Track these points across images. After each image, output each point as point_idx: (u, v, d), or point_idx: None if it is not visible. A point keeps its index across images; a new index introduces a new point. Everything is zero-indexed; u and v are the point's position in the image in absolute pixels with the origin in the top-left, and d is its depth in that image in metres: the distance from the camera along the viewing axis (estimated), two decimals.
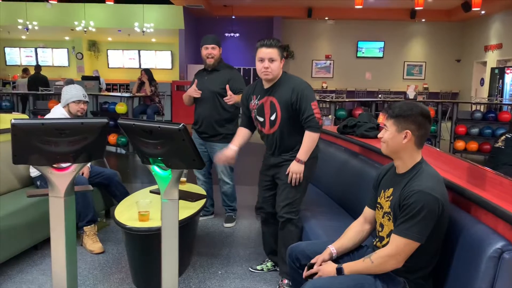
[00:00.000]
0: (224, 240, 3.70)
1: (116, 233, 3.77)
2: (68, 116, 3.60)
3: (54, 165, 2.02)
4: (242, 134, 2.95)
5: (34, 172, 3.60)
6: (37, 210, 3.29)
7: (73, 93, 3.65)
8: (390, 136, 1.86)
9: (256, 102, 2.79)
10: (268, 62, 2.62)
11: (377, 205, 1.97)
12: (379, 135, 1.95)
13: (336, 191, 3.29)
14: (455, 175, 2.05)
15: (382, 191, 1.95)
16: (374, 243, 1.98)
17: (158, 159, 1.99)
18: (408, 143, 1.83)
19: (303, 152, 2.68)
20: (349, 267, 1.87)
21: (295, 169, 2.69)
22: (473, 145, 7.63)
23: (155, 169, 2.04)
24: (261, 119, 2.79)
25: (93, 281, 2.92)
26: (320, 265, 1.96)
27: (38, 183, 3.59)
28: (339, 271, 1.87)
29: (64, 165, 2.05)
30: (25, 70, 11.81)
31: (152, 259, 2.70)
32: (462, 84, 15.41)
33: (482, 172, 1.90)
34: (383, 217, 1.91)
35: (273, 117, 2.71)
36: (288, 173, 2.70)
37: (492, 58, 13.45)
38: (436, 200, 1.70)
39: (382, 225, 1.92)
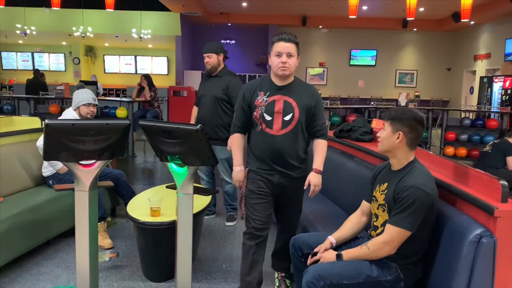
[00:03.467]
0: (226, 237, 3.90)
1: (124, 230, 3.97)
2: (79, 118, 3.80)
3: (81, 162, 2.23)
4: (241, 144, 2.70)
5: (46, 172, 3.79)
6: (49, 208, 3.49)
7: (83, 96, 3.85)
8: (386, 135, 2.10)
9: (265, 99, 2.56)
10: (286, 56, 2.48)
11: (373, 198, 2.20)
12: (378, 134, 2.19)
13: (333, 191, 3.52)
14: (443, 173, 2.29)
15: (378, 185, 2.18)
16: (369, 232, 2.21)
17: (176, 157, 2.20)
18: (400, 143, 2.07)
19: (321, 162, 2.60)
20: (347, 253, 2.10)
21: (317, 181, 2.57)
22: (462, 151, 7.91)
23: (172, 166, 2.25)
24: (268, 118, 2.54)
25: (105, 274, 3.11)
26: (322, 253, 2.18)
27: (50, 182, 3.77)
28: (339, 257, 2.10)
29: (89, 161, 2.25)
30: (41, 75, 11.85)
31: (162, 251, 2.92)
32: (453, 92, 15.78)
33: (465, 170, 2.13)
34: (377, 208, 2.14)
35: (288, 118, 2.51)
36: (305, 187, 2.61)
37: (481, 67, 13.83)
38: (427, 194, 1.93)
39: (376, 216, 2.15)
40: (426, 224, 1.97)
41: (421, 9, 12.55)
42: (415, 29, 15.57)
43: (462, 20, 9.06)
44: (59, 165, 3.68)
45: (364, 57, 16.51)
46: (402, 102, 8.53)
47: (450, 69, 16.08)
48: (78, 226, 2.27)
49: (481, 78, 13.08)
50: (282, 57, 2.48)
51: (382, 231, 2.06)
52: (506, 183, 1.84)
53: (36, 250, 3.38)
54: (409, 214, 1.93)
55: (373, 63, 16.47)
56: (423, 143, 8.34)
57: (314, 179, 2.57)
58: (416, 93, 15.92)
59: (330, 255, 2.13)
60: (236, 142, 2.70)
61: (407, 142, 2.07)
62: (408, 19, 8.83)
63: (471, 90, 14.45)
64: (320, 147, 2.62)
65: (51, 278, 3.01)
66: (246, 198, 2.65)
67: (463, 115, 9.62)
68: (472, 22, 13.17)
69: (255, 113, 2.58)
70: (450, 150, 8.03)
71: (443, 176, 2.23)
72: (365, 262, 2.05)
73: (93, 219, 2.30)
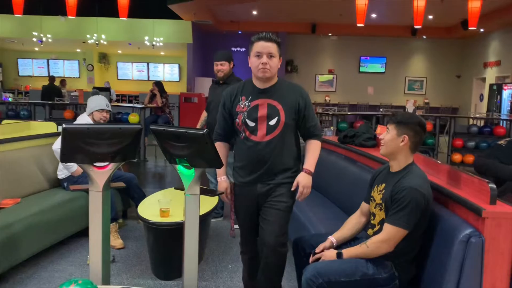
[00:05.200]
0: (232, 239, 4.02)
1: (134, 231, 4.12)
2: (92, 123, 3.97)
3: (95, 164, 2.37)
4: (223, 153, 2.50)
5: (61, 174, 3.96)
6: (64, 209, 3.65)
7: (97, 102, 4.02)
8: (390, 138, 2.21)
9: (247, 104, 2.39)
10: (266, 57, 2.30)
11: (371, 198, 2.32)
12: (380, 137, 2.30)
13: (335, 194, 3.63)
14: (438, 177, 2.40)
15: (376, 186, 2.30)
16: (368, 231, 2.32)
17: (184, 159, 2.33)
18: (404, 147, 2.18)
19: (312, 162, 2.42)
20: (347, 251, 2.21)
21: (306, 181, 2.36)
22: (470, 158, 7.93)
23: (181, 168, 2.39)
24: (251, 124, 2.37)
25: (117, 272, 3.25)
26: (323, 251, 2.29)
27: (65, 184, 3.94)
28: (339, 255, 2.21)
29: (103, 164, 2.40)
30: (62, 81, 12.15)
31: (171, 251, 3.05)
32: (462, 100, 15.77)
33: (458, 174, 2.24)
34: (375, 207, 2.25)
35: (273, 122, 2.34)
36: (292, 189, 2.40)
37: (491, 75, 13.82)
38: (423, 195, 2.04)
39: (374, 215, 2.27)
40: (420, 224, 2.08)
41: (430, 17, 12.62)
42: (424, 37, 15.62)
43: (470, 28, 9.12)
44: (73, 168, 3.84)
45: (374, 64, 16.59)
46: (410, 109, 8.60)
47: (460, 76, 16.08)
48: (91, 224, 2.41)
49: (491, 85, 13.08)
50: (263, 57, 2.31)
51: (379, 229, 2.17)
52: (495, 186, 1.94)
53: (51, 248, 3.54)
54: (406, 214, 2.04)
55: (383, 70, 16.55)
56: (431, 149, 8.39)
57: (303, 180, 2.36)
58: (426, 100, 15.94)
59: (330, 254, 2.24)
60: (220, 150, 2.44)
61: (410, 145, 2.19)
62: (415, 27, 8.91)
63: (481, 97, 14.43)
64: (312, 147, 2.46)
65: (65, 275, 3.16)
66: (236, 215, 2.58)
67: (473, 122, 9.65)
68: (481, 30, 13.19)
69: (237, 120, 2.41)
70: (457, 157, 8.06)
71: (438, 180, 2.34)
72: (361, 260, 2.16)
73: (106, 218, 2.44)
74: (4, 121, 5.23)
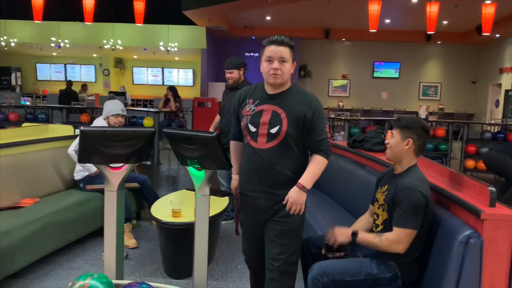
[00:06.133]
0: None
1: (147, 232, 4.23)
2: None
3: (111, 165, 2.49)
4: (237, 152, 2.49)
5: (77, 175, 4.10)
6: (80, 209, 3.78)
7: (112, 107, 4.16)
8: (395, 142, 2.28)
9: (252, 108, 2.28)
10: (278, 62, 2.17)
11: (375, 199, 2.39)
12: (386, 141, 2.37)
13: (343, 197, 3.70)
14: (440, 180, 2.46)
15: (380, 187, 2.37)
16: (373, 229, 2.39)
17: (194, 161, 2.43)
18: (409, 150, 2.26)
19: (309, 178, 2.18)
20: (362, 234, 2.25)
21: (296, 197, 2.16)
22: (483, 164, 7.88)
23: (191, 169, 2.49)
24: (252, 129, 2.25)
25: (130, 270, 3.36)
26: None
27: (81, 185, 4.08)
28: (354, 234, 2.25)
29: (118, 164, 2.51)
30: (83, 86, 12.46)
31: (182, 250, 3.15)
32: (478, 106, 15.64)
33: (460, 177, 2.29)
34: (378, 208, 2.32)
35: (274, 130, 2.19)
36: (285, 203, 2.19)
37: (507, 81, 13.69)
38: (422, 194, 2.10)
39: (377, 215, 2.34)
40: (422, 225, 2.14)
41: (445, 22, 12.60)
42: (439, 42, 15.56)
43: (483, 34, 9.09)
44: (93, 169, 3.97)
45: (388, 70, 16.58)
46: (422, 114, 8.60)
47: (475, 82, 15.96)
48: (106, 221, 2.52)
49: (506, 91, 12.97)
50: (274, 62, 2.17)
51: (382, 229, 2.25)
52: (494, 189, 1.99)
53: (67, 247, 3.67)
54: (410, 214, 2.10)
55: (397, 76, 16.52)
56: (443, 155, 8.37)
57: (293, 195, 2.16)
58: (440, 106, 15.84)
59: (345, 231, 2.30)
60: (232, 149, 2.52)
61: (414, 149, 2.26)
62: (428, 33, 8.92)
63: (497, 103, 14.31)
64: (313, 162, 2.22)
65: (81, 273, 3.26)
66: (240, 221, 2.51)
67: (488, 128, 9.59)
68: (497, 35, 13.10)
69: (241, 123, 2.33)
70: (470, 163, 8.03)
71: (440, 182, 2.40)
72: (365, 260, 2.24)
73: (120, 216, 2.55)
74: (24, 124, 5.42)
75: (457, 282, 1.93)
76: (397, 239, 2.14)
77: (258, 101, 2.29)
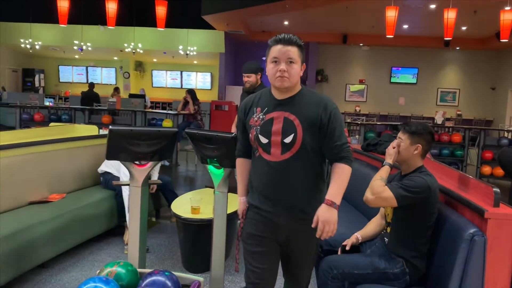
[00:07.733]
0: None
1: (166, 229, 4.42)
2: None
3: (136, 162, 2.66)
4: (244, 171, 2.19)
5: (100, 170, 4.29)
6: (103, 205, 3.98)
7: None
8: (405, 147, 2.39)
9: (261, 117, 2.00)
10: (285, 63, 1.91)
11: None
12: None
13: (356, 199, 3.79)
14: (448, 182, 2.57)
15: None
16: (384, 228, 2.51)
17: (214, 160, 2.59)
18: (416, 155, 2.37)
19: (336, 192, 1.94)
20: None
21: (327, 216, 1.90)
22: (499, 171, 7.87)
23: (211, 167, 2.64)
24: (264, 140, 1.98)
25: (150, 263, 3.53)
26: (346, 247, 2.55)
27: (101, 179, 4.26)
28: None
29: (143, 162, 2.68)
30: (116, 89, 12.71)
31: (200, 245, 3.30)
32: (497, 112, 15.48)
33: (467, 179, 2.40)
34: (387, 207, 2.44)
35: (288, 139, 1.93)
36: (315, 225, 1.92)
37: None
38: (427, 185, 2.21)
39: (387, 215, 2.46)
40: (429, 222, 2.24)
41: (464, 28, 12.55)
42: (457, 48, 15.47)
43: (502, 40, 9.07)
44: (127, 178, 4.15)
45: (405, 75, 16.52)
46: (439, 120, 8.61)
47: (495, 89, 15.80)
48: (131, 215, 2.70)
49: None
50: (280, 64, 1.92)
51: (394, 227, 2.36)
52: (498, 190, 2.09)
53: (90, 242, 3.87)
54: (405, 189, 2.22)
55: (414, 81, 16.45)
56: (459, 161, 8.38)
57: (323, 214, 1.91)
58: (458, 112, 15.73)
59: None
60: (239, 169, 2.22)
61: (422, 153, 2.37)
62: (446, 39, 8.94)
63: None
64: (337, 173, 1.96)
65: (104, 265, 3.45)
66: (244, 244, 2.11)
67: (504, 134, 9.54)
68: None
69: (250, 134, 2.04)
70: (487, 169, 8.03)
71: (448, 184, 2.51)
72: (374, 255, 2.35)
73: (144, 210, 2.72)
74: (51, 124, 5.67)
75: (461, 277, 2.03)
76: (379, 190, 2.28)
77: (266, 108, 2.00)
